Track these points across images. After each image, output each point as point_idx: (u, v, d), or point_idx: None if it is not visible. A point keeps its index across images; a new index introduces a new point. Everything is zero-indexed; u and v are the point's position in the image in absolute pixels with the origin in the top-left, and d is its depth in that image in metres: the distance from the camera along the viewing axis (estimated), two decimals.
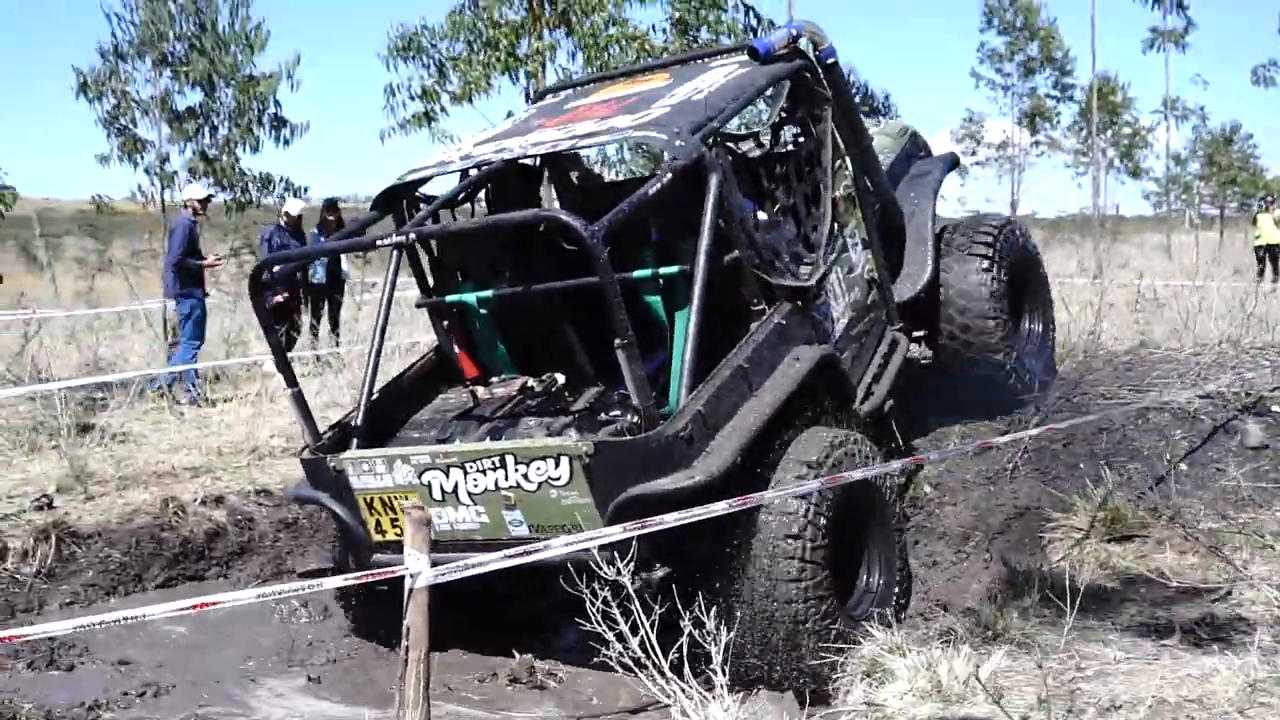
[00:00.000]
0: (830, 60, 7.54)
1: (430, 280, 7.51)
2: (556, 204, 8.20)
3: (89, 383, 13.79)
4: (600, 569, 4.86)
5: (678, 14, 16.62)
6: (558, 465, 5.82)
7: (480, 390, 7.23)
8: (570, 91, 8.12)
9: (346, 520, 6.59)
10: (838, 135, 7.55)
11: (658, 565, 5.85)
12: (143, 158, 17.68)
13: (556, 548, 5.16)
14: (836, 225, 7.42)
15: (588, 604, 4.77)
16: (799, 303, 6.73)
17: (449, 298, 7.31)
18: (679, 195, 6.26)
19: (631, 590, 5.78)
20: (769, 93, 7.46)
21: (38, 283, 24.73)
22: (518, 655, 6.69)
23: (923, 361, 8.94)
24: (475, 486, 6.07)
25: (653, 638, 4.72)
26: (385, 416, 7.09)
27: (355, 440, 6.78)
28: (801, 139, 7.53)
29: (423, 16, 20.32)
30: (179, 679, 6.78)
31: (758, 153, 7.71)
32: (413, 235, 6.10)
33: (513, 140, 7.02)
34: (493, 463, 5.99)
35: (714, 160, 6.30)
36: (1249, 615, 5.56)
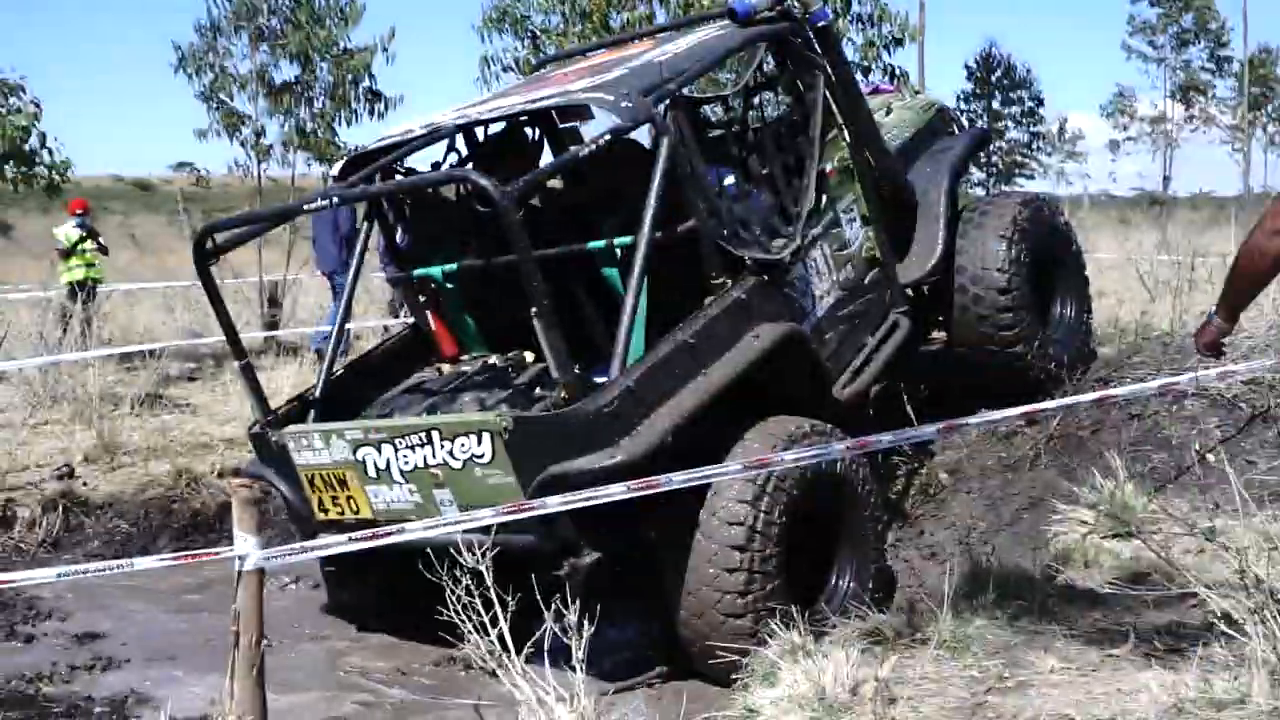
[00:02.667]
0: (821, 24, 7.06)
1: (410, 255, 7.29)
2: None
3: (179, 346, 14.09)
4: (459, 555, 4.52)
5: None
6: (480, 441, 5.55)
7: (446, 368, 6.99)
8: (561, 62, 7.82)
9: (290, 498, 6.42)
10: (831, 104, 7.09)
11: (586, 550, 5.56)
12: (240, 132, 17.81)
13: (413, 531, 4.87)
14: (825, 199, 6.96)
15: (448, 593, 4.44)
16: (766, 277, 6.31)
17: (416, 272, 7.08)
18: (642, 161, 5.95)
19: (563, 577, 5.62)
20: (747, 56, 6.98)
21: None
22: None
23: (935, 348, 8.39)
24: (405, 464, 5.84)
25: (505, 628, 4.38)
26: (353, 393, 6.89)
27: (311, 416, 6.60)
28: (786, 105, 7.10)
29: None
30: (137, 654, 6.67)
31: (726, 117, 7.25)
32: (336, 199, 5.86)
33: (481, 108, 6.76)
34: (419, 438, 5.75)
35: (665, 123, 5.94)
36: (1215, 622, 5.01)
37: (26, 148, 13.46)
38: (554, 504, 4.76)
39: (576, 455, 5.37)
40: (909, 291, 7.55)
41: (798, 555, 5.93)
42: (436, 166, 7.26)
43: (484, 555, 4.43)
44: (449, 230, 7.04)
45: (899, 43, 16.75)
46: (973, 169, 43.98)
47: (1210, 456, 6.88)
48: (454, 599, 4.39)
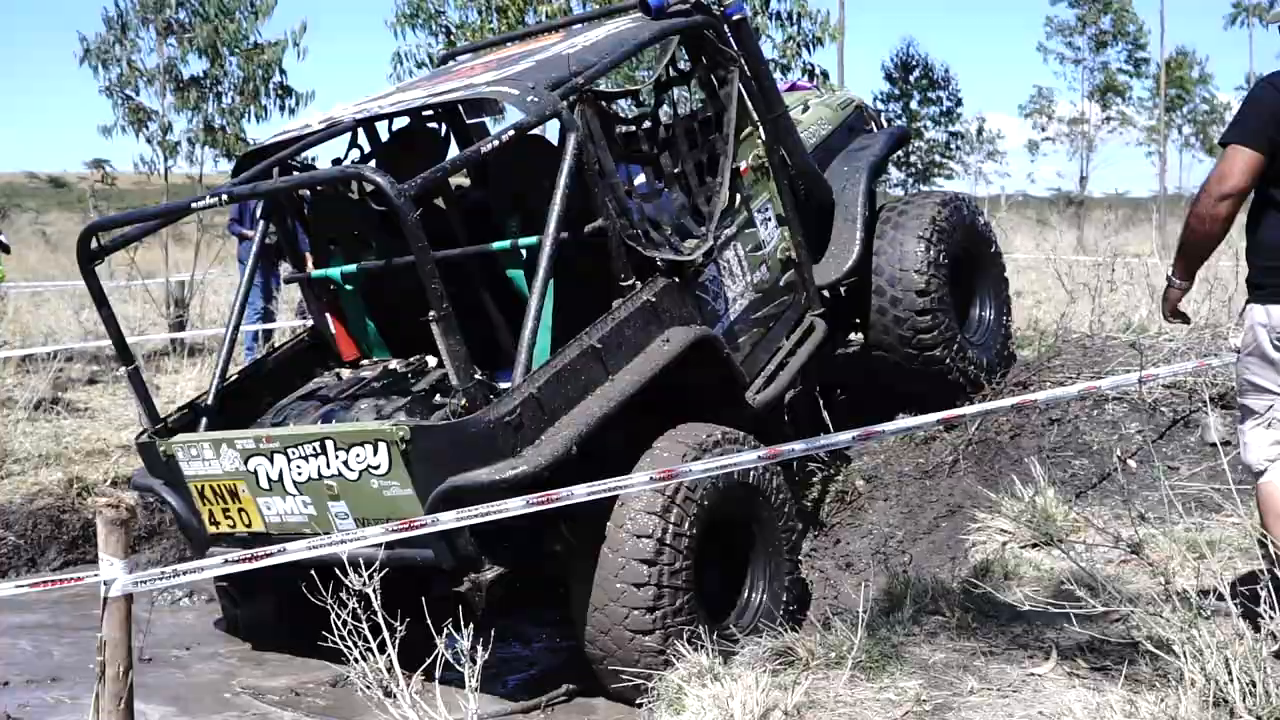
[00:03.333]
0: (736, 17, 6.84)
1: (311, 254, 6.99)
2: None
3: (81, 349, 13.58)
4: (345, 571, 4.24)
5: None
6: (376, 451, 5.28)
7: (346, 373, 6.70)
8: (470, 55, 7.54)
9: (180, 510, 6.10)
10: (746, 100, 6.87)
11: (488, 565, 5.31)
12: (147, 128, 17.31)
13: (295, 550, 4.59)
14: (739, 197, 6.74)
15: (333, 614, 4.16)
16: (676, 279, 6.08)
17: (314, 273, 6.78)
18: (550, 158, 5.69)
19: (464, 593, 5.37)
20: (658, 50, 6.75)
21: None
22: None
23: (852, 350, 8.20)
24: (299, 475, 5.55)
25: (393, 654, 4.10)
26: (249, 400, 6.58)
27: (204, 424, 6.28)
28: (699, 101, 6.88)
29: None
30: (16, 675, 6.30)
31: (637, 113, 7.00)
32: (224, 197, 5.54)
33: (382, 101, 6.47)
34: (313, 448, 5.47)
35: (571, 119, 5.69)
36: (1141, 640, 4.83)
37: None
38: (447, 519, 4.49)
39: (477, 466, 5.11)
40: (825, 293, 7.35)
41: (708, 568, 5.73)
42: (338, 163, 6.96)
43: (371, 575, 4.14)
44: (349, 229, 6.73)
45: (819, 41, 16.59)
46: (892, 169, 44.24)
47: (1131, 462, 6.75)
48: (339, 620, 4.11)
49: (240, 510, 5.88)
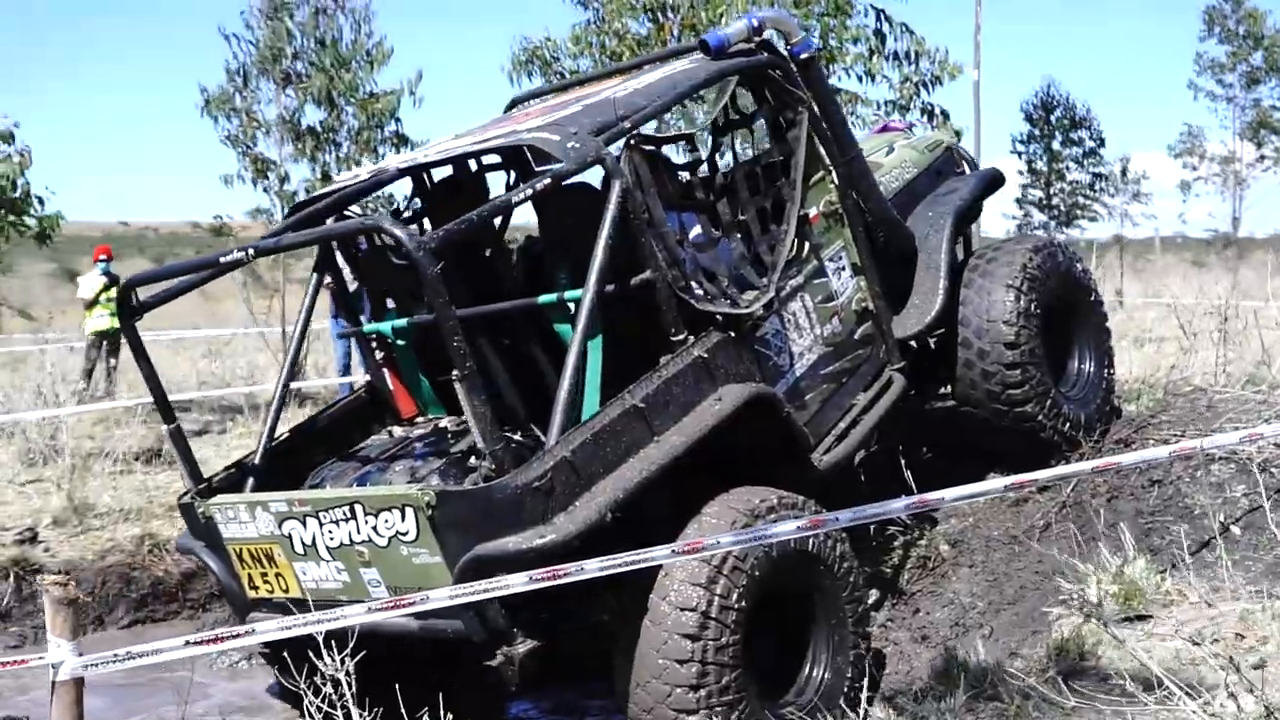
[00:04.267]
0: (804, 55, 6.50)
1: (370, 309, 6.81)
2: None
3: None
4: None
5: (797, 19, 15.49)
6: (404, 517, 5.02)
7: (398, 431, 6.47)
8: (536, 100, 7.32)
9: (220, 574, 5.91)
10: (816, 142, 6.53)
11: (521, 638, 5.03)
12: (267, 177, 17.51)
13: (265, 630, 4.35)
14: (807, 246, 6.39)
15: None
16: (733, 333, 5.75)
17: (366, 327, 6.59)
18: (600, 207, 5.43)
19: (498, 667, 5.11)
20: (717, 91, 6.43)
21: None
22: None
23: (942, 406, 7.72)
24: (331, 540, 5.32)
25: None
26: (300, 458, 6.39)
27: (249, 484, 6.10)
28: (765, 145, 6.55)
29: (546, 28, 19.78)
30: None
31: (691, 158, 6.66)
32: (251, 252, 5.37)
33: (429, 150, 6.29)
34: (344, 512, 5.23)
35: (616, 165, 5.42)
36: None
37: (16, 195, 13.04)
38: (438, 596, 4.22)
39: (505, 533, 4.83)
40: (910, 346, 6.94)
41: (764, 640, 5.38)
42: (398, 213, 6.79)
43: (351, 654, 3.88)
44: (401, 283, 6.53)
45: (938, 80, 16.14)
46: (1034, 212, 43.21)
47: (1235, 529, 6.21)
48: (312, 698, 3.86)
49: (277, 575, 5.67)
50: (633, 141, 5.61)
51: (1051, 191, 42.72)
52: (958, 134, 16.31)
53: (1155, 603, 5.66)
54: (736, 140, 6.79)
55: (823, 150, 6.58)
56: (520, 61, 16.81)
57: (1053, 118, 42.68)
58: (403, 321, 6.39)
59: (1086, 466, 5.62)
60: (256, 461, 6.18)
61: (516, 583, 4.18)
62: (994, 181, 8.01)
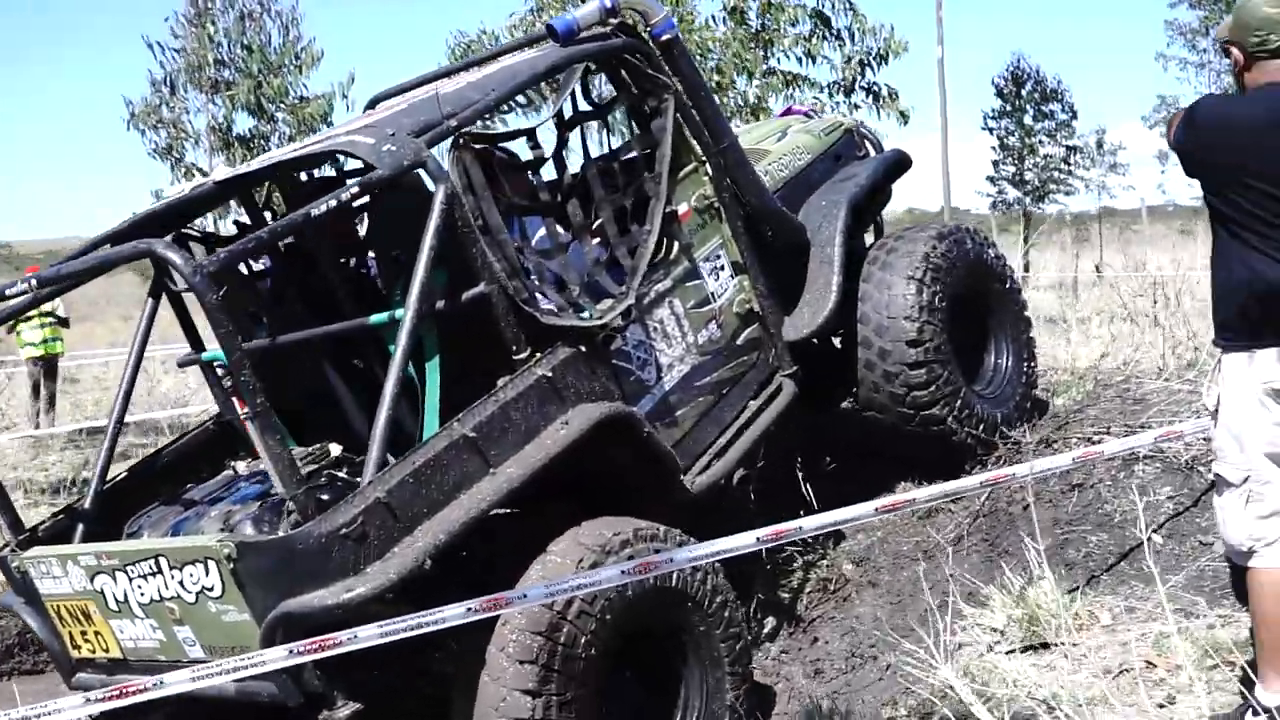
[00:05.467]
0: (665, 37, 5.92)
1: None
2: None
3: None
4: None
5: (732, 2, 14.98)
6: (207, 571, 4.48)
7: (241, 467, 5.90)
8: (398, 97, 6.74)
9: (41, 634, 5.37)
10: (686, 132, 5.97)
11: (341, 701, 4.48)
12: None
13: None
14: (676, 246, 5.82)
15: None
16: (583, 348, 5.19)
17: (205, 355, 6.03)
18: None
19: None
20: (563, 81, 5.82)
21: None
22: None
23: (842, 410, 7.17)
24: (142, 596, 4.78)
25: None
26: (139, 500, 5.83)
27: (80, 532, 5.55)
28: (624, 137, 6.00)
29: (481, 22, 19.29)
30: None
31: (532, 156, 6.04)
32: (34, 283, 4.80)
33: (269, 156, 5.75)
34: (150, 566, 4.69)
35: (440, 168, 4.88)
36: None
37: None
38: (274, 658, 3.66)
39: (313, 587, 4.30)
40: (802, 348, 6.39)
41: (629, 684, 4.85)
42: (241, 228, 6.24)
43: None
44: (241, 306, 5.97)
45: (883, 58, 15.60)
46: (1008, 188, 42.58)
47: (1157, 537, 5.68)
48: None
49: (96, 634, 5.14)
50: (461, 141, 5.05)
51: (1025, 167, 42.13)
52: (904, 115, 15.80)
53: (1063, 627, 5.12)
54: (590, 134, 6.19)
55: (693, 140, 6.02)
56: (457, 56, 16.28)
57: (1023, 92, 42.06)
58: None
59: (974, 481, 5.09)
60: (87, 506, 5.64)
61: (274, 657, 3.62)
62: (897, 164, 7.42)
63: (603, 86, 6.11)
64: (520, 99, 5.69)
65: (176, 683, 3.90)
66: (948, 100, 19.33)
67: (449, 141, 5.06)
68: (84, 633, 5.17)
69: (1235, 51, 4.13)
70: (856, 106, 15.79)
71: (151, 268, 5.75)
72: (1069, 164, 42.36)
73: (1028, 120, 42.02)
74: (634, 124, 5.94)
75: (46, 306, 14.82)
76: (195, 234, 6.14)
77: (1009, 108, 42.24)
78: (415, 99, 5.45)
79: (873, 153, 7.59)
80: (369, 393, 5.65)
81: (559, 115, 5.78)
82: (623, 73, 5.82)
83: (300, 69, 16.94)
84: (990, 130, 42.50)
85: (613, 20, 5.77)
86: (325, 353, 5.86)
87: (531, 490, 4.84)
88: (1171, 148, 4.28)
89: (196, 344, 6.25)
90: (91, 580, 4.93)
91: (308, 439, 5.75)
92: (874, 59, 15.55)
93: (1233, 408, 4.06)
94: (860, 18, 15.37)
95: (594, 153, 6.09)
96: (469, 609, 3.96)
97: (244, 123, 17.09)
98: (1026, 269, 26.37)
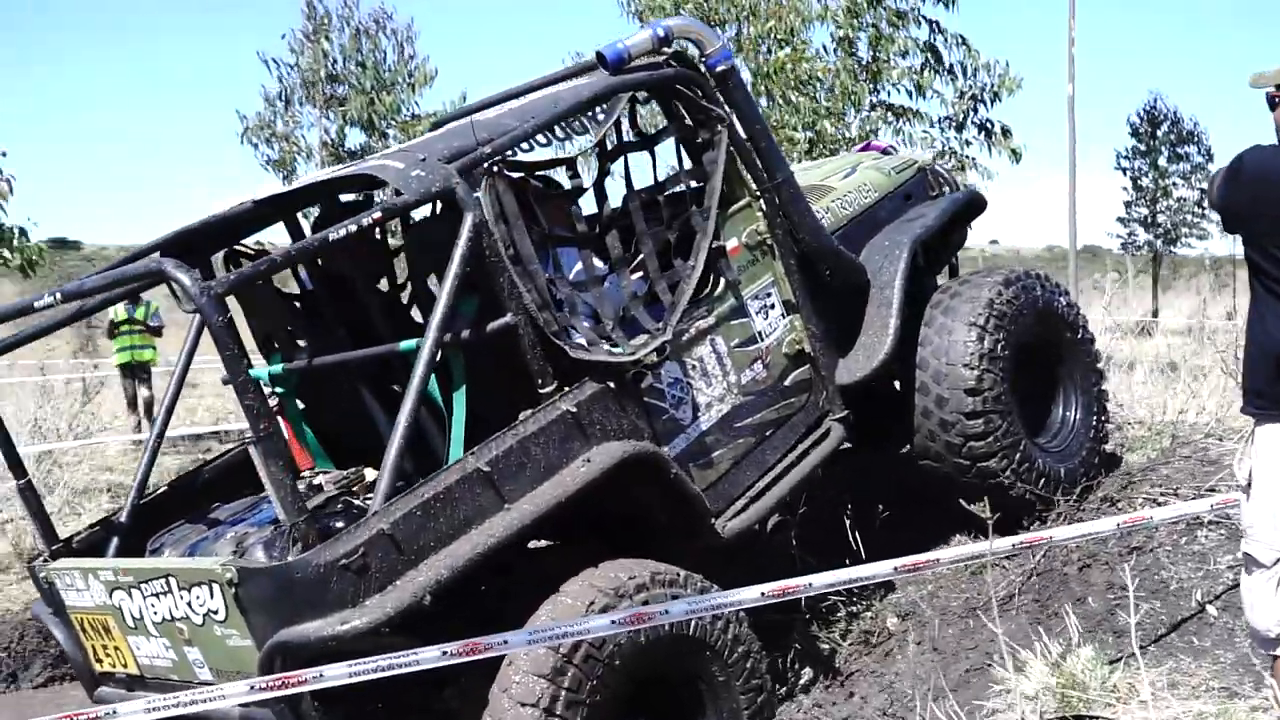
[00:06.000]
0: (721, 67, 5.79)
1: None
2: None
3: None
4: None
5: (841, 32, 14.77)
6: (212, 594, 4.46)
7: None
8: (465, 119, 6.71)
9: (66, 645, 5.40)
10: (739, 165, 5.84)
11: None
12: None
13: None
14: (722, 282, 5.68)
15: None
16: (611, 384, 5.07)
17: (252, 373, 6.02)
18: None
19: None
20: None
21: None
22: None
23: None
24: (155, 614, 4.78)
25: None
26: (177, 515, 5.84)
27: (114, 545, 5.58)
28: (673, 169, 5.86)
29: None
30: None
31: (570, 186, 5.92)
32: (59, 296, 4.82)
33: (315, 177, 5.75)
34: (161, 585, 4.69)
35: (470, 196, 4.80)
36: None
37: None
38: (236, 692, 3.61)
39: (311, 617, 4.25)
40: (856, 392, 6.19)
41: None
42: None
43: None
44: (282, 325, 5.97)
45: (996, 96, 15.28)
46: (1139, 231, 41.49)
47: (1211, 609, 5.39)
48: None
49: (115, 648, 5.15)
50: (496, 168, 4.97)
51: (1157, 209, 41.06)
52: (1015, 153, 15.44)
53: (1098, 701, 4.86)
54: (637, 164, 6.06)
55: (746, 174, 5.87)
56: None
57: (1159, 133, 40.98)
58: (277, 368, 5.83)
59: (1007, 543, 4.85)
60: (123, 519, 5.66)
61: (234, 693, 3.54)
62: (970, 205, 7.18)
63: (656, 117, 5.93)
64: (569, 127, 5.57)
65: (130, 713, 3.82)
66: (1076, 140, 18.64)
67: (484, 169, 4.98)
68: (105, 646, 5.19)
69: None
70: (968, 143, 15.46)
71: None
72: (1202, 208, 41.23)
73: (1162, 162, 40.98)
74: (684, 155, 5.82)
75: (139, 314, 15.08)
76: (249, 251, 6.15)
77: (1144, 148, 41.22)
78: (462, 124, 5.38)
79: (948, 192, 7.36)
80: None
81: (601, 145, 5.67)
82: (675, 103, 5.70)
83: (413, 87, 17.08)
84: (1123, 170, 41.49)
85: (666, 49, 5.66)
86: (365, 377, 5.81)
87: (549, 528, 4.75)
88: (1213, 207, 4.02)
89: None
90: (110, 595, 4.94)
91: (349, 462, 5.73)
92: (987, 95, 15.26)
93: (1268, 481, 3.80)
94: (974, 53, 15.07)
95: (641, 184, 5.95)
96: (444, 652, 3.84)
97: (356, 138, 17.24)
98: (1155, 314, 25.73)
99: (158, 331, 15.72)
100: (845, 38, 14.75)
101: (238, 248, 6.02)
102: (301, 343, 5.88)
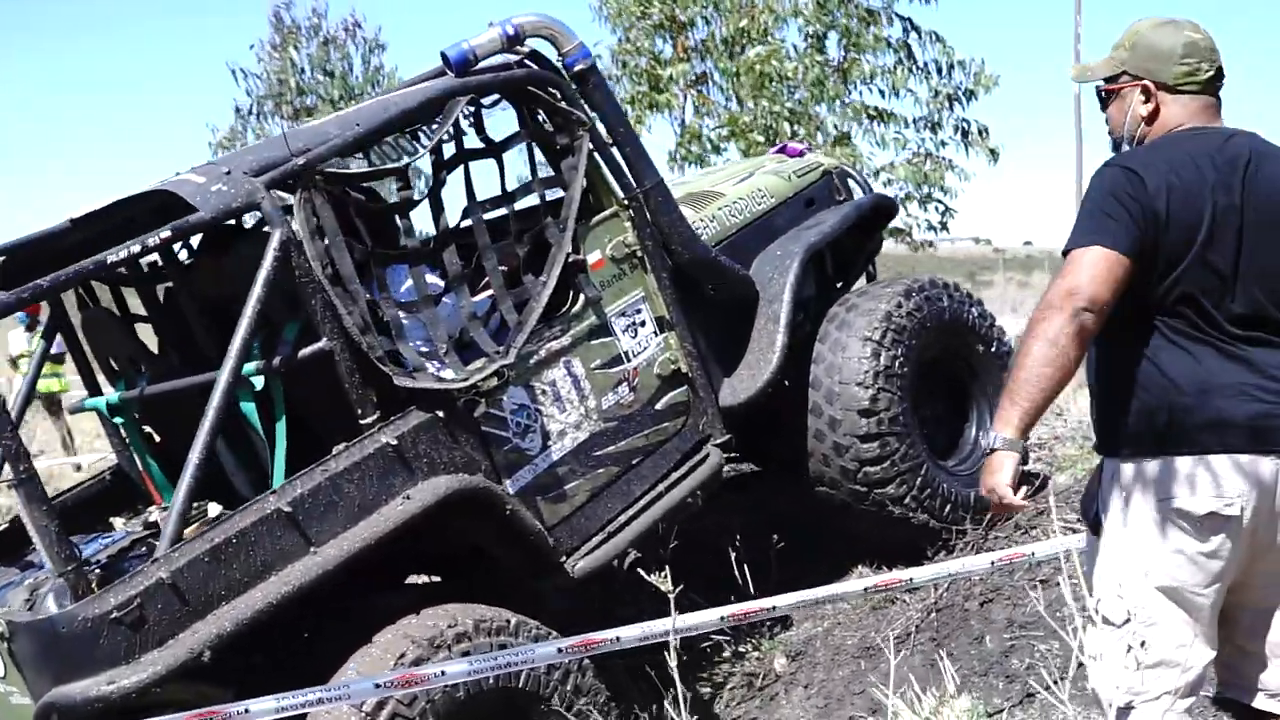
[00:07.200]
0: (579, 67, 5.37)
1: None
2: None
3: None
4: None
5: (810, 29, 14.32)
6: None
7: (119, 523, 5.50)
8: None
9: None
10: (603, 171, 5.42)
11: None
12: None
13: None
14: (582, 299, 5.26)
15: None
16: (440, 413, 4.66)
17: (87, 402, 5.63)
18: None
19: None
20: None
21: None
22: None
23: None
24: None
25: None
26: (12, 554, 5.47)
27: None
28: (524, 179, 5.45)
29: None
30: None
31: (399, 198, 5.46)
32: None
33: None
34: None
35: (276, 212, 4.40)
36: None
37: None
38: None
39: (82, 675, 3.86)
40: (742, 415, 5.76)
41: None
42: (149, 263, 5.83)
43: None
44: (121, 351, 5.57)
45: (971, 94, 14.81)
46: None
47: None
48: None
49: None
50: (312, 180, 4.56)
51: None
52: (993, 153, 14.98)
53: None
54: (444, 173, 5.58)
55: (612, 181, 5.45)
56: None
57: None
58: (114, 396, 5.42)
59: (857, 586, 4.40)
60: None
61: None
62: (877, 209, 6.72)
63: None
64: (412, 135, 5.16)
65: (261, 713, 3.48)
66: (1083, 138, 18.08)
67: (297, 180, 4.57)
68: None
69: (1138, 91, 3.35)
70: (944, 144, 15.00)
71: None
72: None
73: None
74: (538, 163, 5.39)
75: (34, 346, 14.57)
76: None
77: None
78: (279, 135, 4.97)
79: (853, 198, 6.89)
80: (253, 446, 5.19)
81: (437, 152, 5.24)
82: (531, 106, 5.27)
83: None
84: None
85: (520, 49, 5.24)
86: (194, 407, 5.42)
87: (361, 573, 4.34)
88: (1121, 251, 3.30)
89: (94, 388, 5.85)
90: None
91: (209, 495, 5.33)
92: (963, 94, 14.79)
93: (1123, 529, 3.30)
94: (948, 50, 14.60)
95: (487, 194, 5.52)
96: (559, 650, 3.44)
97: None
98: None
99: (60, 359, 15.00)
100: (815, 34, 14.29)
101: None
102: (143, 369, 5.47)
